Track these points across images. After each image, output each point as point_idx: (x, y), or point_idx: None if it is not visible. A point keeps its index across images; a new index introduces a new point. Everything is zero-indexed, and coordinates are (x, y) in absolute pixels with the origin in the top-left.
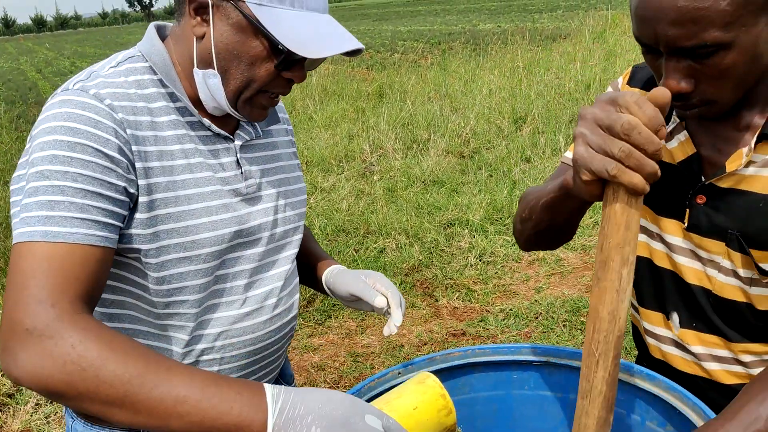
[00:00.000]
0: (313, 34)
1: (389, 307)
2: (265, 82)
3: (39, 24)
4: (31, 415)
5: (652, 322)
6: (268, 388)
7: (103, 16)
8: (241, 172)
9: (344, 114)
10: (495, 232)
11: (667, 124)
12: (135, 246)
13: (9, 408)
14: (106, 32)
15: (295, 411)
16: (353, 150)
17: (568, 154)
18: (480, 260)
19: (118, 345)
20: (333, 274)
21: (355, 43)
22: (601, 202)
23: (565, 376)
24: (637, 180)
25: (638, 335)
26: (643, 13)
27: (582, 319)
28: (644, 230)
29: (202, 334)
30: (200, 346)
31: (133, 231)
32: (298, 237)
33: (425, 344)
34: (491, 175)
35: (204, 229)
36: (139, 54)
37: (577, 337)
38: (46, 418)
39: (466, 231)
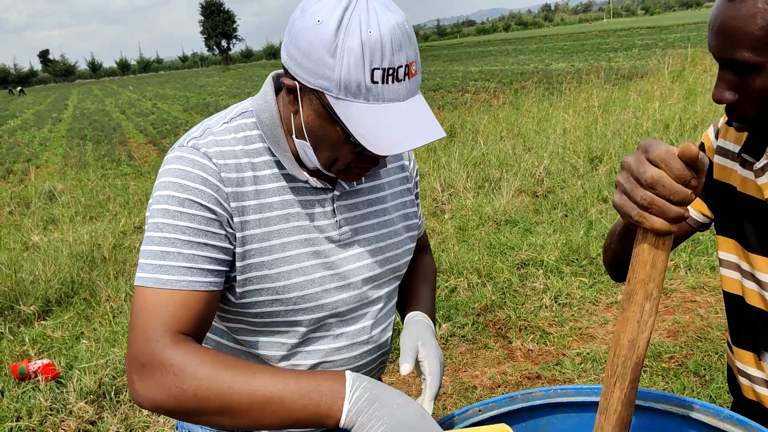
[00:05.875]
0: (386, 128)
1: (423, 380)
2: (348, 161)
3: (123, 67)
4: None
5: (745, 361)
6: (349, 377)
7: (183, 59)
8: (336, 221)
9: (415, 153)
10: (571, 273)
11: (758, 158)
12: (229, 285)
13: None
14: (185, 75)
15: (372, 406)
16: (424, 189)
17: None
18: (555, 302)
19: (209, 362)
20: (407, 322)
21: (428, 137)
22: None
23: (650, 419)
24: (658, 224)
25: (732, 377)
26: (708, 22)
27: (663, 365)
28: (737, 268)
29: (297, 364)
30: None
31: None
32: (397, 275)
33: (498, 386)
34: (566, 215)
35: (295, 274)
36: (251, 109)
37: (658, 383)
38: None
39: (541, 272)
